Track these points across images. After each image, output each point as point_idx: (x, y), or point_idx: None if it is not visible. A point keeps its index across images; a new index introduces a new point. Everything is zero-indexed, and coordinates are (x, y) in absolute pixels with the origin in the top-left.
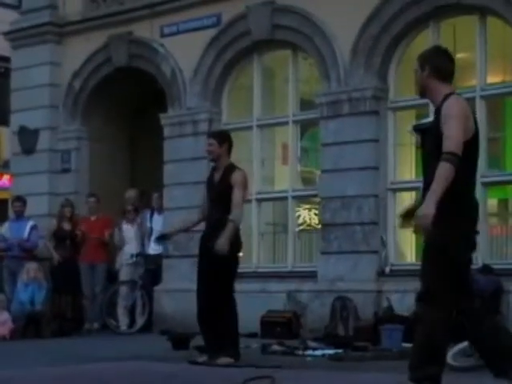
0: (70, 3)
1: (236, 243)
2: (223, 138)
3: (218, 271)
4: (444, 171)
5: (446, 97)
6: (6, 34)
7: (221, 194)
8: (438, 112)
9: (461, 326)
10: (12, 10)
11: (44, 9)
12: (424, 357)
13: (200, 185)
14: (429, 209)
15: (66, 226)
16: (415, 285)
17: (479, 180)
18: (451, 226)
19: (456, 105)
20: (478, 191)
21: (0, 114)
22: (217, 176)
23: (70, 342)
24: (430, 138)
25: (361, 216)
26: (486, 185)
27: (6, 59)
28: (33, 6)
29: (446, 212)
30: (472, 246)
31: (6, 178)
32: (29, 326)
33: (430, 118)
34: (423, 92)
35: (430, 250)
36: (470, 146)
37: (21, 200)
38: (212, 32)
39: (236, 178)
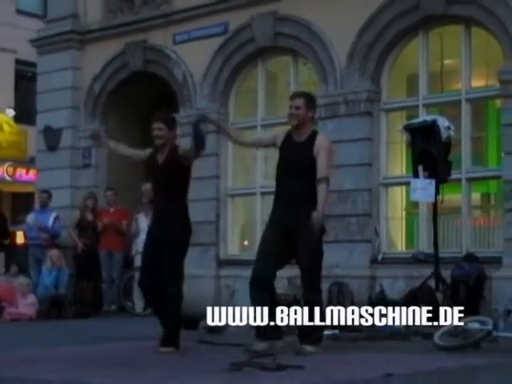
0: (90, 13)
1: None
2: (173, 123)
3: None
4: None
5: None
6: (32, 41)
7: (166, 176)
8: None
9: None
10: (38, 19)
11: (67, 18)
12: None
13: (206, 180)
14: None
15: (89, 217)
16: (405, 271)
17: (464, 176)
18: None
19: None
20: (464, 186)
21: (27, 115)
22: (161, 157)
23: (90, 322)
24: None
25: (356, 208)
26: (470, 180)
27: (33, 64)
28: (56, 16)
29: None
30: None
31: (32, 173)
32: (52, 308)
33: (420, 119)
34: None
35: None
36: None
37: (47, 192)
38: (220, 39)
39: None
